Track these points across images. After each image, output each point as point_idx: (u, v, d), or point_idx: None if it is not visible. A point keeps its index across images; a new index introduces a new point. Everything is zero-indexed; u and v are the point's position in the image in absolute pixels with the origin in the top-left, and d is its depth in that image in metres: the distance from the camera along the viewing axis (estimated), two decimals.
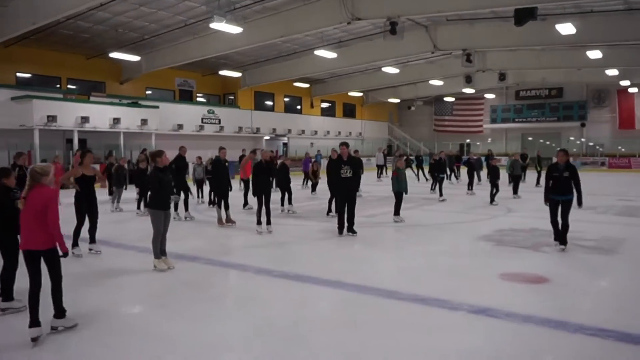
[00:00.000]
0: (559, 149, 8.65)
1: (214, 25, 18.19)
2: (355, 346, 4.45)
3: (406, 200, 12.16)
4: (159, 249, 7.24)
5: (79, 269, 7.37)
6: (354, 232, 9.97)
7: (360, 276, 6.70)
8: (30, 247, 4.59)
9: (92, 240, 8.38)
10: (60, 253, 4.63)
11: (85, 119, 23.28)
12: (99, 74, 27.38)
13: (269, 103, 37.24)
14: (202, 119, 30.89)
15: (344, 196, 9.99)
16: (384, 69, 29.65)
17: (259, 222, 10.26)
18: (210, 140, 29.66)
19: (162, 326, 4.99)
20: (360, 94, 42.72)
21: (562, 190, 8.08)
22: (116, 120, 24.58)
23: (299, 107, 39.73)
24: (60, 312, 4.71)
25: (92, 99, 25.29)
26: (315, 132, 39.12)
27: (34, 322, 4.50)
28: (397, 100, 44.07)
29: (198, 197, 15.87)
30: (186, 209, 12.43)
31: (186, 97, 32.60)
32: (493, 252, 8.34)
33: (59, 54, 25.30)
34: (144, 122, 25.81)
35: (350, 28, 23.53)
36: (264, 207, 10.19)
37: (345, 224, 9.94)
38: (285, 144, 38.28)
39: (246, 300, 5.86)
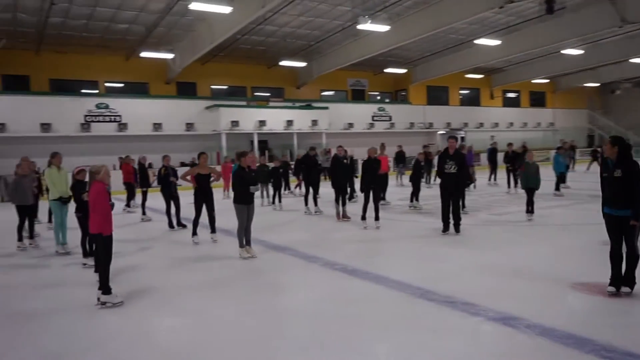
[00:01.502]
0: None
1: (360, 26, 18.80)
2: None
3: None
4: (244, 239, 8.11)
5: (189, 254, 8.69)
6: (458, 231, 9.54)
7: (422, 276, 6.54)
8: (90, 231, 5.82)
9: (212, 230, 9.68)
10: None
11: (262, 123, 26.08)
12: (278, 80, 30.30)
13: (443, 97, 36.35)
14: (373, 116, 31.76)
15: (447, 193, 9.59)
16: (565, 51, 26.51)
17: (363, 218, 10.52)
18: (381, 137, 30.28)
19: (209, 305, 5.75)
20: (547, 81, 38.74)
21: (615, 201, 5.42)
22: (289, 122, 26.94)
23: (476, 99, 37.88)
24: (103, 288, 5.77)
25: (270, 104, 28.12)
26: (496, 125, 36.80)
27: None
28: (597, 84, 38.76)
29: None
30: (315, 203, 13.13)
31: (359, 96, 33.89)
32: (595, 258, 7.20)
33: (244, 67, 28.76)
34: (315, 122, 27.73)
35: (518, 11, 21.78)
36: (371, 202, 10.43)
37: (451, 222, 9.58)
38: (462, 138, 36.89)
39: (297, 289, 6.28)
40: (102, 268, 5.82)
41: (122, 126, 23.72)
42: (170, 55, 23.58)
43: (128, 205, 14.96)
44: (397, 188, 19.10)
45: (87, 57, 24.59)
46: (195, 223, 9.54)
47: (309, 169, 13.11)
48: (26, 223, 9.50)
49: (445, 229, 9.59)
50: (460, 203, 11.80)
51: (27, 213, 9.41)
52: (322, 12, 21.05)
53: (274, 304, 5.73)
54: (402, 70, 31.11)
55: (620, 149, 5.37)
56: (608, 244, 5.50)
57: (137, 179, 14.12)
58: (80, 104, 23.10)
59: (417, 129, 33.27)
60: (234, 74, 28.91)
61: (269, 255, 8.21)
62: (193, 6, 16.10)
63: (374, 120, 31.69)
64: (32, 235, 9.82)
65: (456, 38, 26.18)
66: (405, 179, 19.88)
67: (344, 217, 11.76)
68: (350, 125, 30.44)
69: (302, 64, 26.61)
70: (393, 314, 5.21)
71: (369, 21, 18.43)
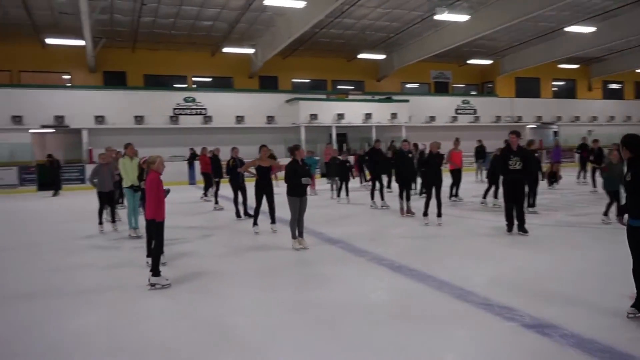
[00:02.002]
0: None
1: (438, 17, 18.26)
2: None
3: None
4: (296, 231, 8.25)
5: (247, 242, 9.01)
6: (524, 231, 9.02)
7: (467, 276, 6.32)
8: (145, 216, 6.24)
9: (272, 220, 9.94)
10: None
11: (341, 116, 26.20)
12: (359, 74, 30.27)
13: (534, 89, 34.30)
14: (456, 109, 30.75)
15: (511, 191, 9.09)
16: None
17: (424, 214, 10.29)
18: (464, 131, 29.32)
19: (247, 293, 5.99)
20: None
21: (630, 208, 4.80)
22: (368, 116, 26.82)
23: (572, 91, 35.34)
24: (154, 270, 6.14)
25: (350, 97, 28.16)
26: (594, 118, 34.14)
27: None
28: None
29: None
30: (382, 197, 12.97)
31: (442, 88, 32.95)
32: None
33: (324, 60, 29.05)
34: (394, 115, 27.38)
35: None
36: (434, 198, 10.19)
37: (515, 222, 9.09)
38: (555, 133, 34.66)
39: (336, 283, 6.30)
40: (155, 252, 6.21)
41: (207, 119, 24.94)
42: (251, 50, 24.38)
43: (205, 194, 15.74)
44: (475, 184, 18.36)
45: (177, 53, 26.12)
46: (256, 213, 9.84)
47: (375, 163, 13.01)
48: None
49: (509, 228, 9.11)
50: (528, 202, 11.27)
51: (106, 199, 10.23)
52: (400, 3, 20.70)
53: (308, 295, 5.79)
54: (488, 62, 29.81)
55: (629, 154, 4.79)
56: None
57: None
58: (170, 97, 24.59)
59: (504, 123, 31.68)
60: (314, 67, 29.30)
61: (320, 248, 8.29)
62: (267, 1, 16.52)
63: (457, 113, 30.67)
64: (113, 219, 10.65)
65: (546, 26, 24.61)
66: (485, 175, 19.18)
67: (408, 212, 11.54)
68: (432, 118, 29.68)
69: (381, 57, 26.37)
70: (421, 315, 5.06)
71: (446, 11, 17.86)
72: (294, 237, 8.27)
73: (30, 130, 22.16)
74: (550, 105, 33.19)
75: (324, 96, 27.61)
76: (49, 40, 21.53)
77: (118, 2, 19.41)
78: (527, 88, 33.85)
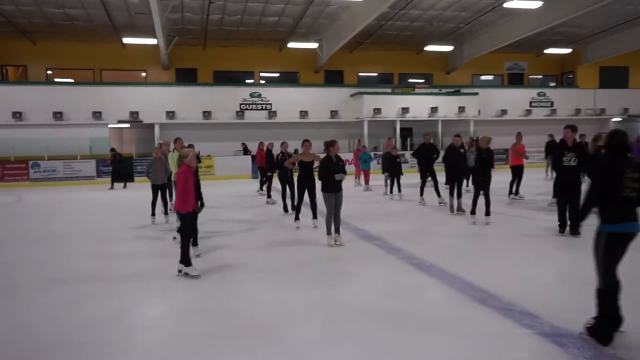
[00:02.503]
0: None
1: (508, 4, 17.35)
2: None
3: None
4: (331, 227, 8.18)
5: (285, 237, 9.09)
6: (577, 232, 8.37)
7: (496, 279, 5.99)
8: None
9: (314, 216, 9.94)
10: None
11: (405, 110, 25.68)
12: (427, 66, 29.50)
13: (621, 79, 31.65)
14: (531, 102, 29.10)
15: (565, 188, 8.47)
16: None
17: (472, 212, 9.86)
18: (539, 125, 27.78)
19: (269, 288, 6.05)
20: None
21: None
22: (434, 109, 26.06)
23: None
24: (183, 260, 6.33)
25: (416, 90, 27.49)
26: None
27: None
28: None
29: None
30: (437, 194, 12.54)
31: (517, 80, 31.31)
32: None
33: (391, 53, 28.57)
34: (462, 109, 26.41)
35: None
36: (482, 196, 9.74)
37: (568, 222, 8.47)
38: None
39: (360, 281, 6.20)
40: (183, 242, 6.42)
41: (272, 114, 25.39)
42: (314, 45, 24.45)
43: (261, 188, 16.04)
44: (544, 182, 17.33)
45: (245, 49, 26.80)
46: (298, 208, 9.88)
47: (425, 158, 12.61)
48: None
49: (562, 229, 8.51)
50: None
51: (158, 191, 10.71)
52: None
53: (326, 293, 5.72)
54: (567, 50, 27.90)
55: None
56: None
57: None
58: (236, 93, 25.28)
59: (584, 116, 29.57)
60: (381, 60, 28.93)
61: (356, 245, 8.17)
62: None
63: (532, 106, 29.02)
64: (166, 211, 11.14)
65: (635, 9, 22.56)
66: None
67: (459, 210, 11.10)
68: (503, 112, 28.30)
69: (449, 48, 25.51)
70: (431, 318, 4.83)
71: None
72: (329, 233, 8.20)
73: (109, 125, 23.72)
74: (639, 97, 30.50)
75: (388, 90, 27.14)
76: (126, 40, 22.83)
77: (188, 1, 20.19)
78: (614, 78, 31.29)
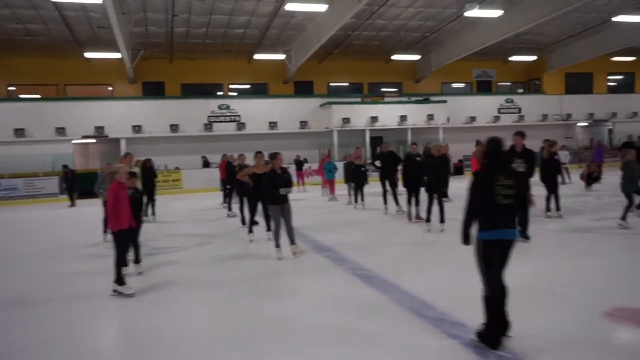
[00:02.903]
0: None
1: (468, 13, 17.54)
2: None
3: None
4: (279, 240, 8.02)
5: (236, 251, 8.91)
6: (526, 237, 8.39)
7: (437, 289, 5.93)
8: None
9: (268, 228, 9.68)
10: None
11: (375, 119, 25.75)
12: (397, 75, 29.66)
13: (586, 85, 32.24)
14: (499, 109, 29.44)
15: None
16: None
17: (427, 220, 9.84)
18: (508, 131, 27.83)
19: (207, 304, 5.88)
20: None
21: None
22: (403, 118, 26.19)
23: (630, 85, 33.04)
24: (117, 279, 6.13)
25: (385, 99, 27.61)
26: None
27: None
28: None
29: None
30: (396, 202, 12.48)
31: (485, 87, 31.70)
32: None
33: (361, 63, 28.66)
34: (431, 117, 26.58)
35: None
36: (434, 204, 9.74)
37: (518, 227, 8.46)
38: (610, 130, 32.51)
39: (301, 294, 6.08)
40: (116, 262, 6.21)
41: (241, 125, 25.21)
42: (282, 56, 24.40)
43: (224, 201, 15.84)
44: None
45: (213, 61, 26.62)
46: (251, 221, 9.73)
47: (384, 167, 12.59)
48: None
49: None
50: (547, 206, 10.67)
51: None
52: (432, 1, 20.07)
53: (261, 307, 5.57)
54: (532, 58, 28.35)
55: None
56: None
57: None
58: (205, 105, 25.06)
59: (552, 122, 30.06)
60: (350, 70, 29.01)
61: (305, 256, 8.03)
62: (288, 7, 16.46)
63: (500, 112, 29.36)
64: None
65: (596, 17, 23.02)
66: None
67: (417, 218, 11.06)
68: (472, 119, 28.57)
69: (417, 57, 25.70)
70: (372, 330, 4.72)
71: (477, 7, 17.10)
72: (277, 245, 8.05)
73: (72, 141, 23.27)
74: (604, 102, 31.02)
75: (358, 99, 27.19)
76: (89, 55, 22.44)
77: (151, 15, 19.96)
78: (579, 84, 31.88)
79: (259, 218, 9.88)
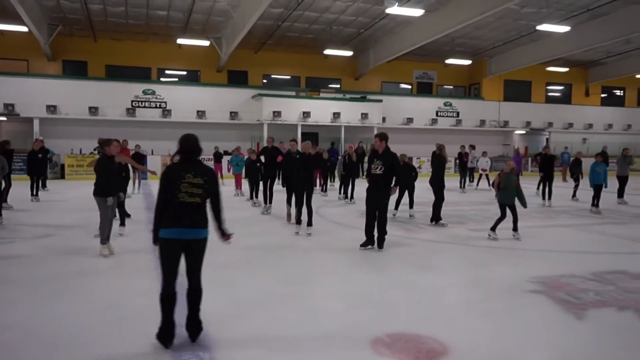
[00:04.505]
0: None
1: (389, 10, 17.05)
2: None
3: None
4: (105, 234, 7.27)
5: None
6: (380, 246, 7.92)
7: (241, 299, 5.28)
8: None
9: (122, 223, 9.02)
10: None
11: (307, 114, 25.10)
12: (336, 71, 29.08)
13: (524, 93, 32.49)
14: (437, 112, 29.29)
15: (371, 199, 7.96)
16: None
17: (297, 222, 9.28)
18: (445, 134, 27.98)
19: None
20: None
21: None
22: (336, 115, 25.64)
23: (567, 96, 33.51)
24: None
25: (321, 95, 27.01)
26: (590, 126, 32.16)
27: None
28: None
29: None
30: (265, 201, 12.04)
31: (426, 89, 31.51)
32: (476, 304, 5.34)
33: (298, 55, 27.96)
34: (365, 115, 26.13)
35: None
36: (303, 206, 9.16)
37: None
38: (547, 140, 32.89)
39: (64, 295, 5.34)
40: None
41: (167, 112, 24.13)
42: (206, 42, 23.40)
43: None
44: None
45: (142, 44, 25.42)
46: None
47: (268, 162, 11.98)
48: None
49: (367, 242, 7.99)
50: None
51: None
52: None
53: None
54: (467, 62, 28.24)
55: None
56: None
57: None
58: (128, 89, 23.84)
59: (489, 127, 30.12)
60: (288, 63, 28.33)
61: (126, 256, 7.28)
62: None
63: (438, 115, 29.22)
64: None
65: (526, 25, 22.99)
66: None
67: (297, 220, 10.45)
68: (410, 120, 28.30)
69: (348, 53, 25.16)
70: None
71: (396, 4, 16.62)
72: (102, 242, 7.28)
73: None
74: (541, 111, 31.34)
75: (290, 93, 26.45)
76: None
77: None
78: (517, 92, 32.07)
79: None
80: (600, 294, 5.75)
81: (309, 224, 9.16)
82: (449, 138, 26.36)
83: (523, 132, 31.34)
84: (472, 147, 20.08)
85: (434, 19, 20.43)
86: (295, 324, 4.65)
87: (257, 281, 6.14)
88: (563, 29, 19.84)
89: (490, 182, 17.83)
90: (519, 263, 7.30)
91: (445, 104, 29.53)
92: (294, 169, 10.01)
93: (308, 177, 9.17)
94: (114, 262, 6.99)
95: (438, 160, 10.76)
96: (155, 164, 22.42)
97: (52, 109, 22.31)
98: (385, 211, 7.96)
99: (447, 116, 29.41)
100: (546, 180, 14.42)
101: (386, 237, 7.96)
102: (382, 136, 8.07)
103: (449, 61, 27.88)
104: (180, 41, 23.14)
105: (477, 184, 19.49)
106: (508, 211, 8.89)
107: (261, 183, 12.32)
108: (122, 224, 8.98)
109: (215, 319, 4.55)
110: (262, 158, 12.38)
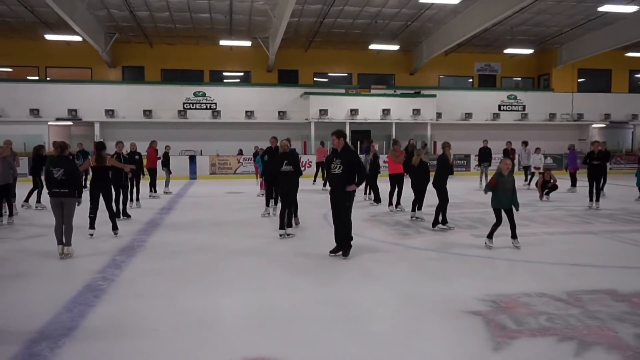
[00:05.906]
0: None
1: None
2: None
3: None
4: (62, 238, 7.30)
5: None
6: (345, 253, 7.30)
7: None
8: None
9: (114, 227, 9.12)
10: None
11: (355, 112, 24.46)
12: (389, 66, 28.14)
13: (603, 82, 29.39)
14: (500, 106, 27.39)
15: (333, 200, 7.37)
16: None
17: (280, 226, 8.86)
18: (508, 130, 26.17)
19: None
20: None
21: None
22: (386, 112, 24.76)
23: None
24: None
25: (372, 91, 26.21)
26: None
27: None
28: None
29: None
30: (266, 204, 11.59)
31: (488, 82, 29.56)
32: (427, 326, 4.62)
33: (348, 52, 27.38)
34: (417, 112, 24.99)
35: None
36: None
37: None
38: (632, 134, 29.60)
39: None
40: None
41: (216, 113, 24.61)
42: (247, 43, 23.55)
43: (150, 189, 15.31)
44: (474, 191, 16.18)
45: (193, 47, 26.18)
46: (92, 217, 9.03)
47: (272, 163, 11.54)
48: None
49: (336, 249, 7.40)
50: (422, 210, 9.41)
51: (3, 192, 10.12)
52: None
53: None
54: (528, 51, 25.96)
55: None
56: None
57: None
58: (180, 92, 24.62)
59: (560, 121, 27.65)
60: (339, 60, 27.86)
61: (98, 258, 7.27)
62: None
63: (500, 110, 27.31)
64: (11, 213, 10.51)
65: (592, 7, 20.64)
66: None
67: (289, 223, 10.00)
68: (469, 115, 26.68)
69: (394, 47, 24.22)
70: None
71: None
72: (59, 243, 7.32)
73: (49, 123, 23.43)
74: (624, 101, 28.18)
75: (338, 90, 25.95)
76: (49, 37, 22.23)
77: None
78: (595, 81, 29.12)
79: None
80: (552, 319, 4.76)
81: (289, 225, 8.72)
82: (512, 134, 24.53)
83: (602, 125, 28.44)
84: (525, 143, 18.43)
85: (483, 6, 19.02)
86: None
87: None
88: (630, 9, 17.56)
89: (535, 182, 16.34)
90: (489, 277, 6.35)
91: (509, 97, 27.53)
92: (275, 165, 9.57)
93: (287, 175, 8.70)
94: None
95: (441, 160, 9.82)
96: (204, 164, 23.07)
97: (110, 113, 23.59)
98: (348, 214, 7.32)
99: (511, 110, 27.41)
100: (595, 179, 12.76)
101: (352, 242, 7.32)
102: (340, 134, 7.47)
103: (509, 51, 25.95)
104: (222, 42, 23.47)
105: (529, 183, 17.83)
106: (505, 216, 7.86)
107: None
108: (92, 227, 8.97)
109: None
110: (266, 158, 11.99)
